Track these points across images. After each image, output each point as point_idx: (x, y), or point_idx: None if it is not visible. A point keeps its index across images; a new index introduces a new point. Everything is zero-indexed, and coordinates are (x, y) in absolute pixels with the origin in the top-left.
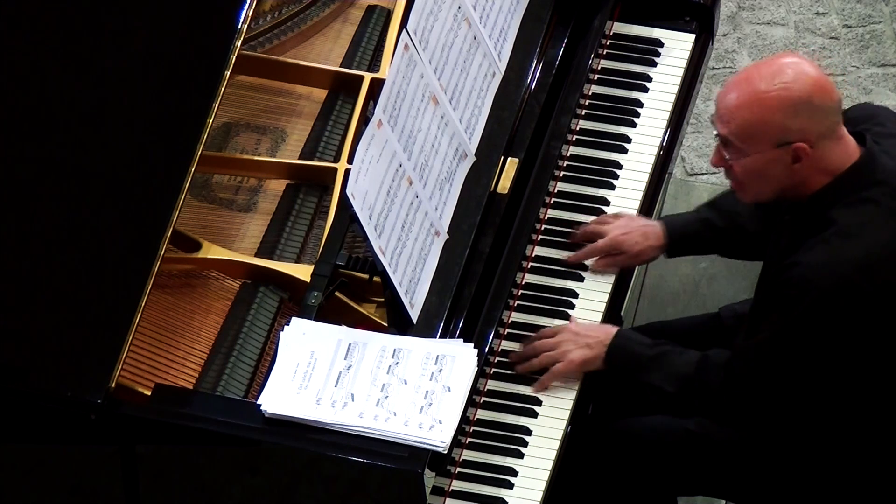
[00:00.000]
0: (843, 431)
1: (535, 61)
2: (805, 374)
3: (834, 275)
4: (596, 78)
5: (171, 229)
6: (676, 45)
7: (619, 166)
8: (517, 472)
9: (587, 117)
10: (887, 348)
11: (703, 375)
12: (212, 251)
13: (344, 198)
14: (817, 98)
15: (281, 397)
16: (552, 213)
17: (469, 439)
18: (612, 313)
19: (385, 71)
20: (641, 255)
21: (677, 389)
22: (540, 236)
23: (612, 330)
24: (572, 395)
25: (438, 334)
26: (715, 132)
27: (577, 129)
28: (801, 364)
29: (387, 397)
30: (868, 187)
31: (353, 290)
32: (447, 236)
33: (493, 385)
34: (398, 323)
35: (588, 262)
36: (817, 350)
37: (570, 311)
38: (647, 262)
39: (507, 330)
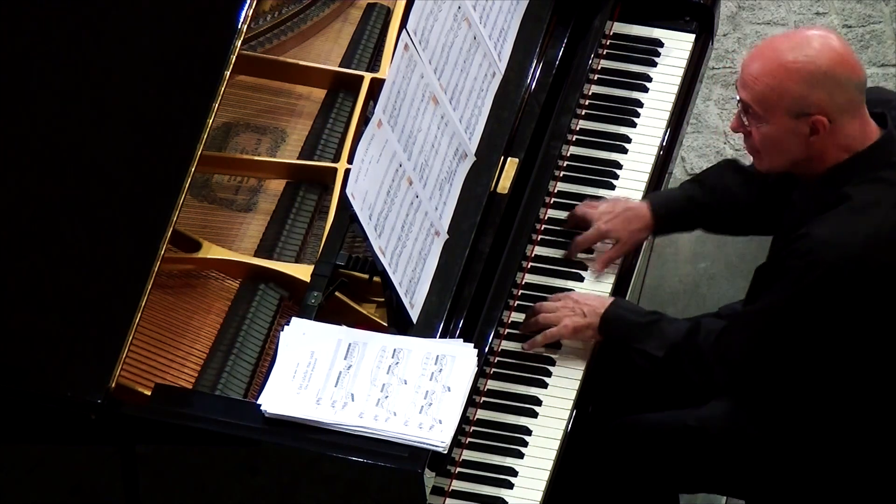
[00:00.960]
0: (842, 421)
1: (535, 61)
2: (802, 348)
3: (842, 250)
4: (596, 78)
5: (171, 229)
6: (676, 45)
7: (619, 166)
8: (517, 472)
9: (587, 117)
10: (888, 331)
11: (695, 341)
12: (212, 251)
13: (344, 198)
14: (840, 72)
15: (281, 397)
16: (552, 213)
17: (469, 439)
18: None
19: (385, 71)
20: (630, 242)
21: (666, 354)
22: (540, 236)
23: (608, 300)
24: (573, 395)
25: (438, 334)
26: (737, 97)
27: (577, 129)
28: (799, 337)
29: (387, 397)
30: (885, 168)
31: (353, 290)
32: (447, 236)
33: (493, 385)
34: (398, 323)
35: (590, 266)
36: (815, 325)
37: None
38: (639, 245)
39: (507, 330)
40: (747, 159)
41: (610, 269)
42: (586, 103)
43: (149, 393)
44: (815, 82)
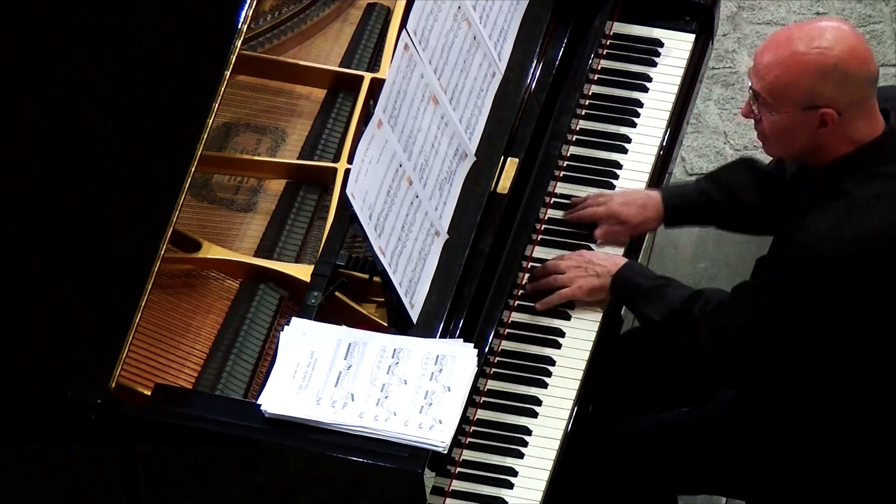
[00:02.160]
0: (843, 422)
1: (535, 61)
2: (788, 332)
3: (838, 245)
4: (596, 78)
5: (171, 229)
6: (676, 45)
7: (619, 166)
8: (517, 472)
9: (587, 117)
10: (881, 327)
11: (692, 307)
12: (212, 251)
13: (344, 198)
14: (852, 66)
15: (281, 397)
16: (552, 213)
17: (469, 439)
18: (612, 312)
19: (385, 71)
20: (640, 227)
21: (663, 318)
22: (540, 236)
23: (622, 261)
24: (572, 394)
25: (438, 334)
26: (748, 84)
27: (577, 129)
28: (786, 320)
29: (387, 397)
30: (885, 163)
31: (353, 290)
32: (447, 236)
33: (493, 385)
34: (398, 323)
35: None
36: (804, 313)
37: (570, 311)
38: (647, 232)
39: (507, 330)
40: (748, 156)
41: (613, 242)
42: (586, 103)
43: (149, 393)
44: (826, 75)
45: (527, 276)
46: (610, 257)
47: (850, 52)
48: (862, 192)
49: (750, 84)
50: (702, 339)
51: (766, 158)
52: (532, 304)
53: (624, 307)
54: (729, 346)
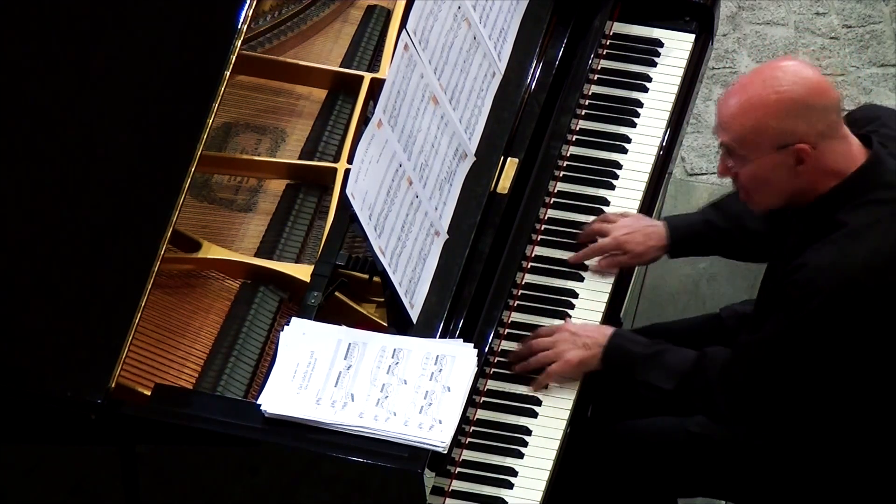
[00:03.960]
0: (843, 433)
1: (535, 61)
2: (806, 375)
3: (841, 276)
4: (596, 78)
5: (171, 229)
6: (676, 45)
7: (619, 166)
8: (517, 472)
9: (587, 117)
10: (892, 351)
11: (702, 371)
12: (212, 251)
13: (344, 198)
14: (813, 98)
15: (281, 397)
16: (552, 213)
17: (469, 439)
18: (611, 314)
19: (385, 71)
20: (644, 256)
21: (675, 386)
22: (540, 236)
23: (609, 330)
24: (572, 395)
25: (438, 334)
26: (718, 141)
27: (577, 129)
28: (802, 364)
29: (387, 397)
30: (876, 189)
31: (353, 290)
32: (447, 236)
33: (493, 385)
34: (398, 323)
35: (589, 263)
36: (821, 351)
37: (569, 312)
38: (649, 263)
39: (507, 330)
40: None
41: (611, 270)
42: (586, 103)
43: (149, 393)
44: (790, 112)
45: (526, 275)
46: (595, 327)
47: (807, 85)
48: (857, 220)
49: (719, 141)
50: (719, 403)
51: None
52: (533, 305)
53: (622, 310)
54: (747, 405)
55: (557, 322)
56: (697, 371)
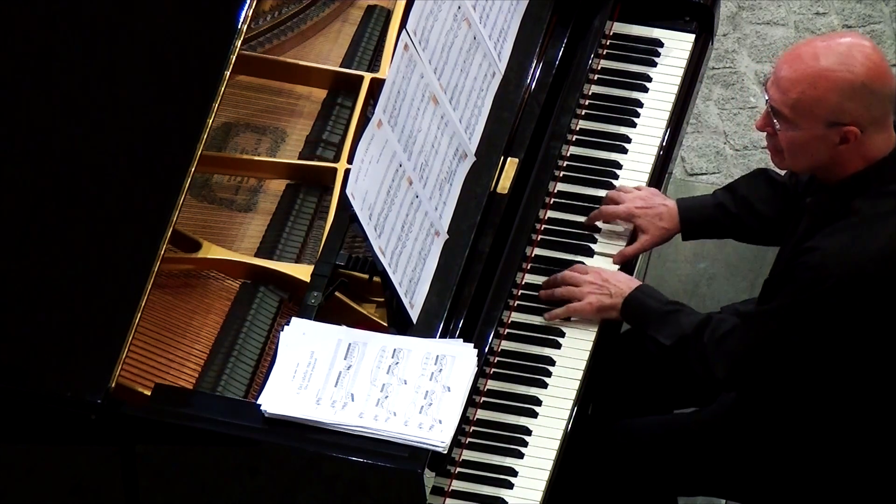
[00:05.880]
0: (844, 427)
1: (535, 61)
2: (804, 354)
3: (851, 264)
4: (596, 78)
5: (171, 229)
6: (676, 45)
7: (619, 166)
8: (517, 472)
9: (587, 117)
10: (887, 339)
11: (701, 333)
12: (212, 251)
13: (344, 198)
14: (877, 85)
15: (281, 397)
16: (552, 213)
17: (469, 439)
18: None
19: (385, 71)
20: (654, 237)
21: (674, 343)
22: (540, 236)
23: (636, 283)
24: (572, 394)
25: (438, 334)
26: (765, 96)
27: (577, 129)
28: (802, 343)
29: (387, 397)
30: (894, 181)
31: (353, 290)
32: (447, 236)
33: (493, 385)
34: (398, 323)
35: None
36: (821, 334)
37: None
38: (662, 242)
39: (507, 330)
40: (755, 162)
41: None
42: (586, 103)
43: (149, 393)
44: (854, 94)
45: (526, 275)
46: (626, 278)
47: (875, 70)
48: (871, 210)
49: (767, 98)
50: (711, 364)
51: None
52: (532, 305)
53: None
54: (739, 370)
55: (557, 322)
56: (698, 333)
